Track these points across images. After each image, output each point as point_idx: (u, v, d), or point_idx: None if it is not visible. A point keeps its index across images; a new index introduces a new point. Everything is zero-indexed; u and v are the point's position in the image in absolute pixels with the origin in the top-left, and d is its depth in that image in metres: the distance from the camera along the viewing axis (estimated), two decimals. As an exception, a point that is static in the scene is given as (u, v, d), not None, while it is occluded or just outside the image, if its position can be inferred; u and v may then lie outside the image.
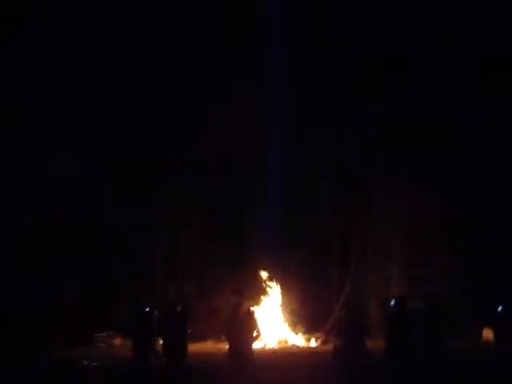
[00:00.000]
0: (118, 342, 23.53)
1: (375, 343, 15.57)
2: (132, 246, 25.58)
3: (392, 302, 14.96)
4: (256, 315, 14.45)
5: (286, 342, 23.27)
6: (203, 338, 22.81)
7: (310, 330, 24.02)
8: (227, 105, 25.08)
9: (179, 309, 15.53)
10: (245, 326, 14.19)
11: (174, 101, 25.70)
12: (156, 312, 16.63)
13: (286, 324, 23.95)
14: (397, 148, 24.90)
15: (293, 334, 23.75)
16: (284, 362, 18.32)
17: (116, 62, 25.11)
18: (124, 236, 25.37)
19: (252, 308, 15.15)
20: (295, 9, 26.00)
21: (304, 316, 24.29)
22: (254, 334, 13.91)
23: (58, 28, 24.54)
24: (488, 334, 20.68)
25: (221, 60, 25.63)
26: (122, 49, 25.16)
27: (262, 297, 24.19)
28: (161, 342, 14.99)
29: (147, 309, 16.38)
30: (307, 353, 21.48)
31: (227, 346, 15.19)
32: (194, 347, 17.81)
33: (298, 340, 23.41)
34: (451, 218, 24.67)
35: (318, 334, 23.69)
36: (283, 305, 24.21)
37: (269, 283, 24.57)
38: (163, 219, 26.05)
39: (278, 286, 24.58)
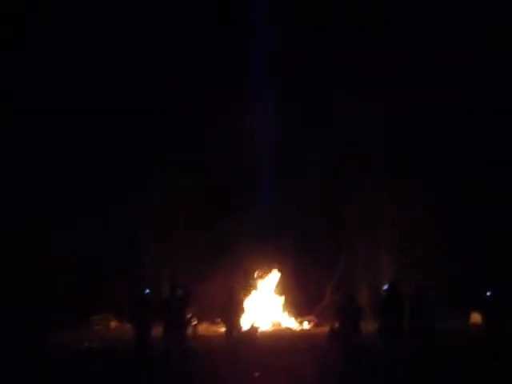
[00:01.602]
0: (113, 324, 23.99)
1: (367, 324, 16.19)
2: (125, 232, 25.94)
3: (385, 286, 15.62)
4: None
5: (279, 324, 23.73)
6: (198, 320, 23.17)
7: (302, 313, 24.51)
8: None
9: (180, 293, 16.00)
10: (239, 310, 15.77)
11: (171, 101, 26.02)
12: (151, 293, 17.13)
13: (279, 307, 24.38)
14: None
15: (286, 316, 24.20)
16: (281, 344, 18.71)
17: (115, 61, 25.41)
18: (117, 223, 25.77)
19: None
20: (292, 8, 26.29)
21: (296, 300, 24.73)
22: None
23: (58, 28, 24.71)
24: (476, 317, 21.32)
25: (217, 60, 26.05)
26: (120, 49, 25.46)
27: (255, 282, 24.56)
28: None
29: (147, 290, 16.78)
30: (301, 335, 21.91)
31: (224, 329, 15.93)
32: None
33: (291, 323, 23.88)
34: (440, 205, 25.06)
35: (310, 317, 24.23)
36: (276, 289, 24.62)
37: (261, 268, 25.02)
38: (155, 206, 26.36)
39: (271, 271, 24.99)
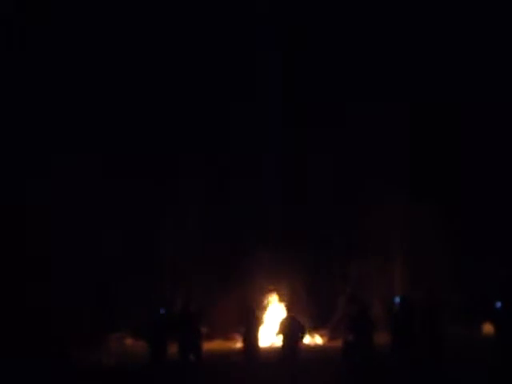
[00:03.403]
0: (129, 342, 24.23)
1: (380, 338, 16.35)
2: (139, 248, 26.23)
3: (397, 300, 15.88)
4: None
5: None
6: (210, 337, 23.21)
7: (314, 327, 24.63)
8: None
9: (193, 310, 16.25)
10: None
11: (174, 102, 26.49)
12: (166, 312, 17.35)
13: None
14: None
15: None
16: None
17: (116, 63, 25.92)
18: (131, 239, 26.07)
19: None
20: (295, 8, 26.78)
21: (309, 314, 24.80)
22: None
23: (58, 28, 25.28)
24: (488, 328, 21.36)
25: (221, 61, 26.52)
26: (121, 50, 26.00)
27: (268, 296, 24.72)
28: None
29: (162, 311, 17.03)
30: (314, 350, 22.06)
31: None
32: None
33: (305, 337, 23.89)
34: (451, 215, 25.42)
35: (323, 331, 24.30)
36: (288, 303, 24.72)
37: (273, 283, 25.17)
38: (169, 219, 26.68)
39: (283, 286, 25.15)
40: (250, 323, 15.99)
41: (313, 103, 26.98)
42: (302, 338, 15.63)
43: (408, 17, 26.53)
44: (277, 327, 15.36)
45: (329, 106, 26.51)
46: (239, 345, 18.04)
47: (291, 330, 15.10)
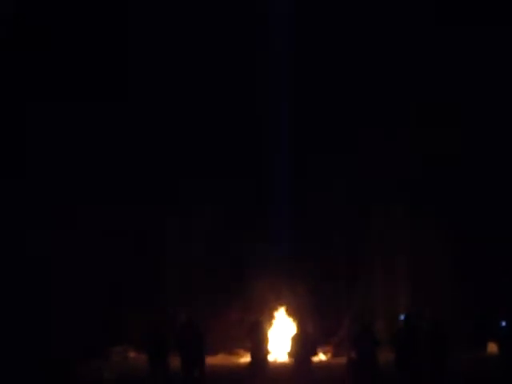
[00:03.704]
0: (132, 355, 24.16)
1: (383, 355, 16.26)
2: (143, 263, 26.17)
3: (402, 317, 15.80)
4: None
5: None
6: (213, 351, 22.86)
7: (319, 344, 24.38)
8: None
9: (195, 324, 16.12)
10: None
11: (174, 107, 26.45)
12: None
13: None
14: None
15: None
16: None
17: (115, 63, 25.86)
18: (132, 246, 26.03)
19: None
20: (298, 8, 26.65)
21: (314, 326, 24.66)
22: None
23: (58, 29, 25.15)
24: (492, 347, 21.26)
25: (220, 61, 26.41)
26: (121, 50, 25.96)
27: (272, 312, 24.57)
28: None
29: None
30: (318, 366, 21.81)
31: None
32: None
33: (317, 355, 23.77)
34: (454, 235, 25.18)
35: (326, 348, 24.10)
36: (299, 317, 24.58)
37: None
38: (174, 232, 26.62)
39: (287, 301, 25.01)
40: (257, 338, 15.63)
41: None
42: (314, 354, 15.42)
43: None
44: (289, 344, 15.08)
45: (329, 106, 26.39)
46: (244, 360, 17.78)
47: (304, 346, 14.80)
